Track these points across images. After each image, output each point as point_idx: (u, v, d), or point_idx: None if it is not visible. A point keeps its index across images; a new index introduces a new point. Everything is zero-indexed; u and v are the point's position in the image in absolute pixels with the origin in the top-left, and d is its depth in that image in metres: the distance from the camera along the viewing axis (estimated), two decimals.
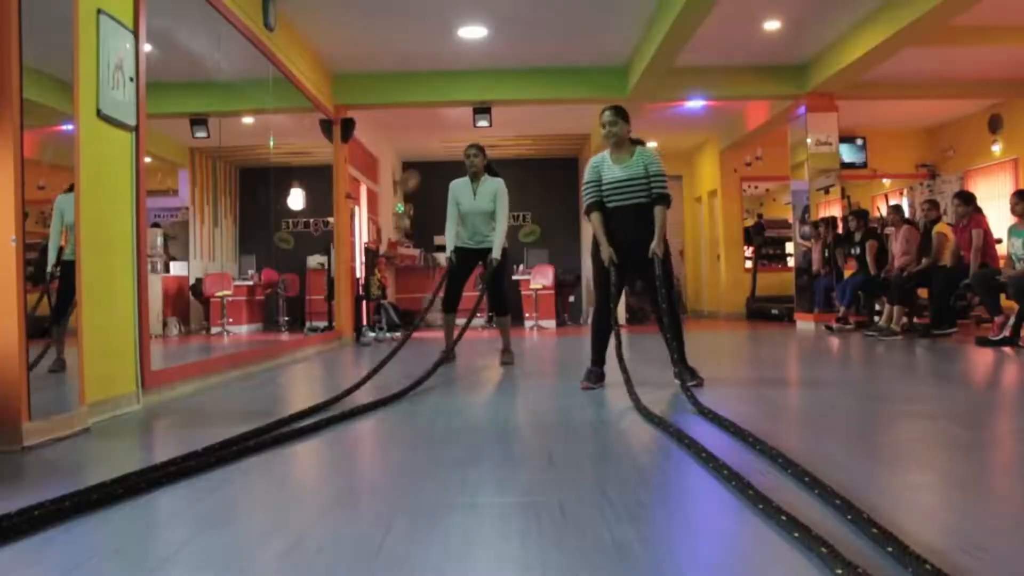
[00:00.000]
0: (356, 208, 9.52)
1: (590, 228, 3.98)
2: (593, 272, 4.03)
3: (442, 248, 11.60)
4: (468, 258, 5.14)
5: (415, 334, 9.38)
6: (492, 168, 5.21)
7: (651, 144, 12.29)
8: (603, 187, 3.88)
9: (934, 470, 2.18)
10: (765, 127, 10.02)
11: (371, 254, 8.75)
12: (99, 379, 3.15)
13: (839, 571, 1.26)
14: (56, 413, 2.79)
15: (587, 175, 3.97)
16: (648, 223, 3.80)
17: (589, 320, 3.95)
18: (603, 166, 3.91)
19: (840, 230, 8.62)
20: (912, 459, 2.26)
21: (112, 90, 3.38)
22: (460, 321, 5.14)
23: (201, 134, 6.15)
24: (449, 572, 1.36)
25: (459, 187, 5.10)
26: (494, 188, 5.03)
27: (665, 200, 3.80)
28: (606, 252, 3.82)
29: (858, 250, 8.03)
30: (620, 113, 3.88)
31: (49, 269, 3.27)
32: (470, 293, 6.26)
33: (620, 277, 3.87)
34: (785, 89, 8.46)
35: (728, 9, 6.19)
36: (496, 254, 4.96)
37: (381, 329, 8.45)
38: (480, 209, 5.02)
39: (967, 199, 6.72)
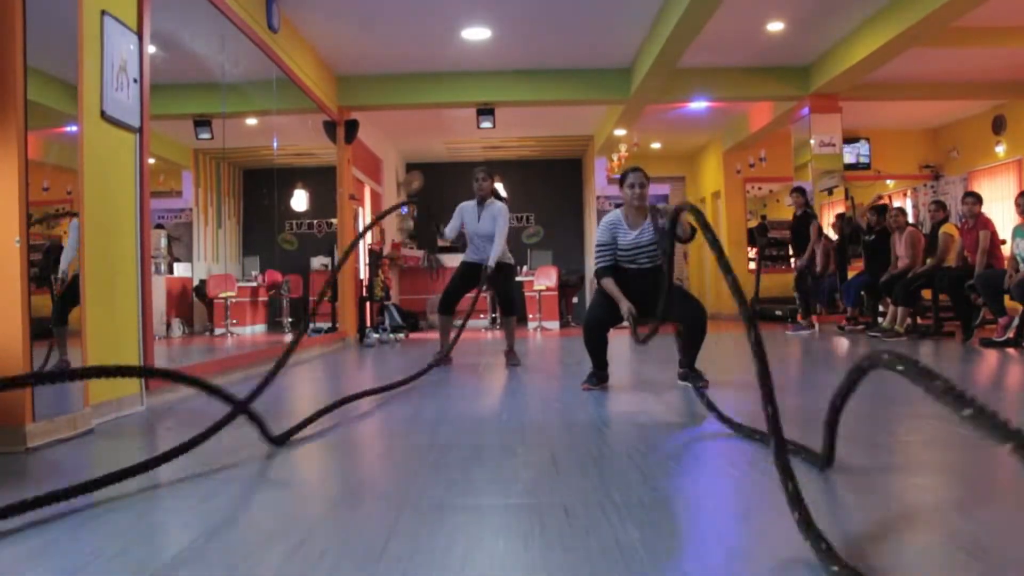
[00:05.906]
0: (360, 209, 9.53)
1: (593, 228, 3.98)
2: (595, 297, 4.01)
3: (445, 250, 11.65)
4: (473, 271, 5.31)
5: (415, 335, 9.41)
6: (498, 193, 5.46)
7: (654, 145, 12.32)
8: (619, 251, 3.86)
9: (939, 470, 2.17)
10: (768, 128, 10.01)
11: (375, 255, 8.76)
12: (103, 380, 3.15)
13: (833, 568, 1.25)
14: (60, 414, 2.80)
15: (601, 235, 3.92)
16: (660, 285, 3.83)
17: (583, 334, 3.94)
18: (619, 229, 3.88)
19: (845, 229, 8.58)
20: (915, 460, 2.25)
21: (116, 91, 3.39)
22: (458, 323, 5.36)
23: (205, 135, 6.16)
24: (452, 574, 1.36)
25: (467, 209, 5.35)
26: (495, 211, 5.25)
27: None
28: (625, 306, 3.76)
29: (873, 236, 7.94)
30: (646, 175, 3.89)
31: (59, 276, 3.25)
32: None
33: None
34: (788, 90, 8.45)
35: (731, 10, 6.18)
36: (491, 263, 5.14)
37: (385, 330, 8.45)
38: (484, 232, 5.24)
39: (978, 199, 6.71)
